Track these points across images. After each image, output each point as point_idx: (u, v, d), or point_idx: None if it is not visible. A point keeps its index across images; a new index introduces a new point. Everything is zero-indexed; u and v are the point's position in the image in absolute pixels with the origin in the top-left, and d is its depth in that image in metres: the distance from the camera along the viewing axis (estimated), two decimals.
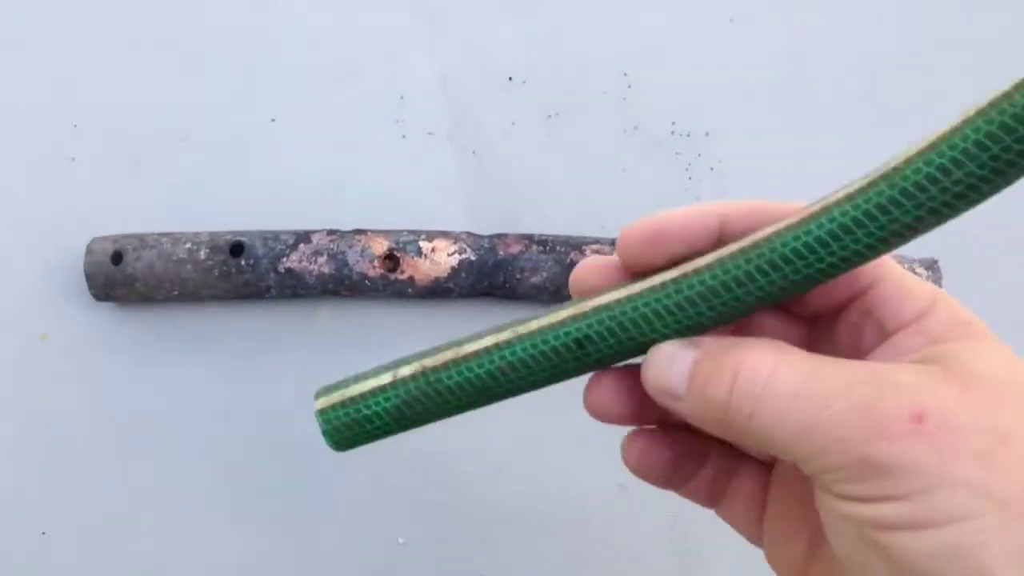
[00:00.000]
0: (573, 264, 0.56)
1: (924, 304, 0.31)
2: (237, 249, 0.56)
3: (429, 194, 0.61)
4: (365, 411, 0.33)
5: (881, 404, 0.26)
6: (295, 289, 0.56)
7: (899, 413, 0.26)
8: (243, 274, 0.56)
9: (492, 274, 0.56)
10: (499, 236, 0.57)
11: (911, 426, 0.26)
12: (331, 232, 0.57)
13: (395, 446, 0.55)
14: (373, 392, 0.33)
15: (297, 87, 0.62)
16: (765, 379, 0.27)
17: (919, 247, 0.56)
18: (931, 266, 0.55)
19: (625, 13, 0.64)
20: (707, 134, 0.62)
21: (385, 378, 0.34)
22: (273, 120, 0.62)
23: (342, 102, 0.62)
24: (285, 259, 0.56)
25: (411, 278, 0.56)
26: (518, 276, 0.56)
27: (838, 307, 0.33)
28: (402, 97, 0.63)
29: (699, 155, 0.62)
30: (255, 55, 0.62)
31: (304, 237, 0.56)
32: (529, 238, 0.57)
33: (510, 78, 0.63)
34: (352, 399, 0.34)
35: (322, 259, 0.56)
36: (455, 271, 0.56)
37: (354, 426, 0.34)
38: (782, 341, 0.29)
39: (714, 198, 0.61)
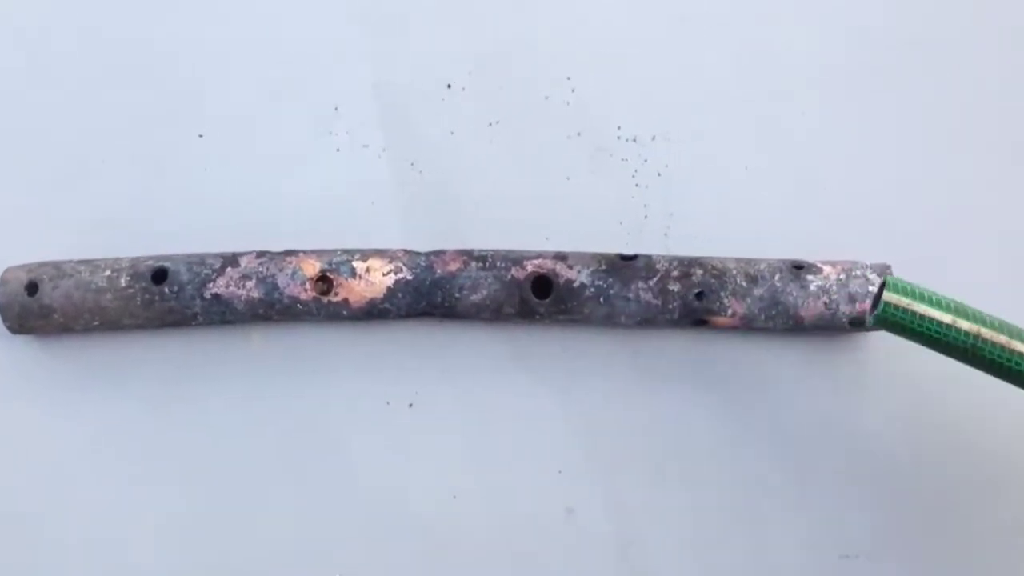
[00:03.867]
0: (514, 280, 0.53)
1: None
2: (160, 275, 0.53)
3: (365, 209, 0.59)
4: (915, 326, 0.41)
5: None
6: (224, 315, 0.54)
7: None
8: (167, 301, 0.53)
9: (430, 294, 0.54)
10: (437, 253, 0.54)
11: None
12: (260, 254, 0.54)
13: (338, 476, 0.53)
14: (930, 318, 0.41)
15: (226, 100, 0.60)
16: None
17: (869, 252, 0.54)
18: (883, 272, 0.53)
19: (568, 14, 0.61)
20: (654, 138, 0.60)
21: (946, 317, 0.41)
22: (201, 136, 0.59)
23: (273, 115, 0.60)
24: (211, 284, 0.53)
25: (345, 300, 0.53)
26: (457, 295, 0.54)
27: None
28: (336, 108, 0.60)
29: (646, 161, 0.60)
30: (180, 67, 0.60)
31: (231, 260, 0.54)
32: (468, 254, 0.54)
33: (449, 85, 0.60)
34: (912, 311, 0.41)
35: (251, 283, 0.53)
36: (391, 291, 0.53)
37: (898, 325, 0.41)
38: None
39: (662, 204, 0.59)
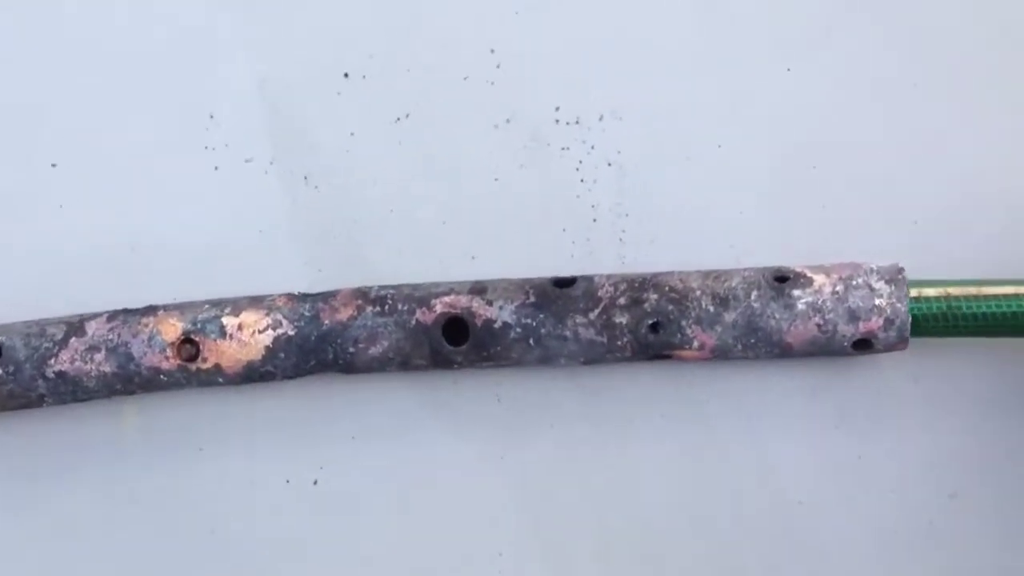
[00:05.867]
0: (420, 326, 0.42)
1: None
2: None
3: (252, 240, 0.48)
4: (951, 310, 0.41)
5: None
6: (75, 395, 0.44)
7: None
8: (4, 384, 0.43)
9: (319, 350, 0.43)
10: (326, 297, 0.44)
11: None
12: (112, 316, 0.44)
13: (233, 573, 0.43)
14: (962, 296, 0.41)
15: (75, 116, 0.49)
16: None
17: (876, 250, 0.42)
18: (894, 277, 0.41)
19: None
20: (601, 118, 0.48)
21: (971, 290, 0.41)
22: (54, 166, 0.49)
23: (133, 130, 0.49)
24: (53, 360, 0.43)
25: (217, 366, 0.43)
26: (352, 349, 0.43)
27: None
28: (211, 116, 0.49)
29: (593, 147, 0.48)
30: (16, 75, 0.49)
31: (77, 328, 0.44)
32: (364, 295, 0.43)
33: (346, 74, 0.49)
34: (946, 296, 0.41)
35: (100, 356, 0.43)
36: (271, 351, 0.43)
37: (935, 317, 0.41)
38: None
39: (615, 202, 0.47)
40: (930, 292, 0.41)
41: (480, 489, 0.45)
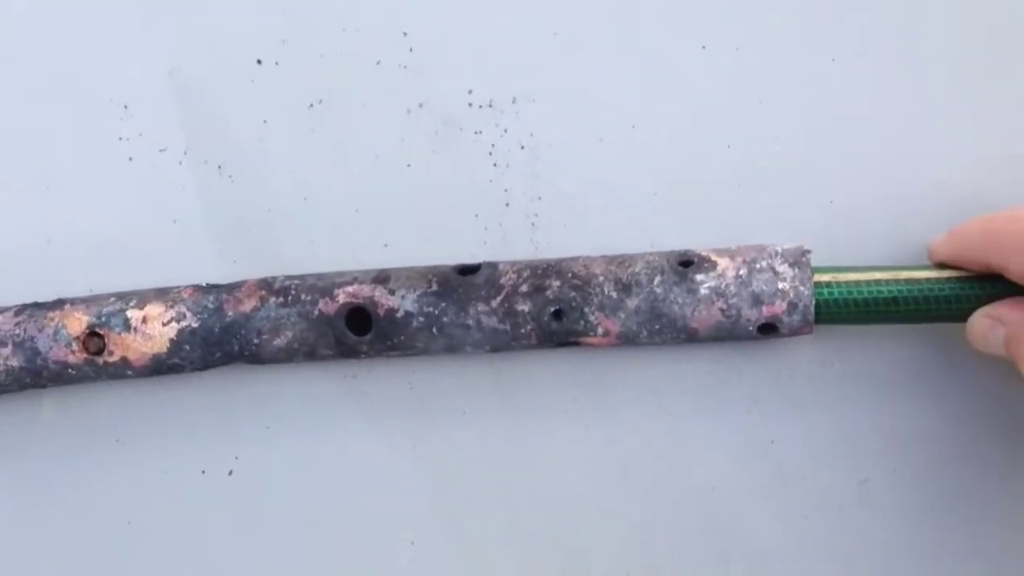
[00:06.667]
0: (323, 316, 0.42)
1: None
2: None
3: (166, 231, 0.48)
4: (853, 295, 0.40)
5: None
6: None
7: None
8: None
9: (223, 342, 0.43)
10: (231, 289, 0.44)
11: None
12: (20, 311, 0.44)
13: (150, 566, 0.44)
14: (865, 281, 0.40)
15: None
16: None
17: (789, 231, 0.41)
18: (798, 259, 0.40)
19: None
20: (514, 100, 0.47)
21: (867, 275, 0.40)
22: None
23: (46, 123, 0.48)
24: None
25: (124, 360, 0.43)
26: (256, 341, 0.43)
27: None
28: (125, 107, 0.49)
29: (505, 131, 0.47)
30: None
31: None
32: (268, 286, 0.43)
33: (259, 61, 0.48)
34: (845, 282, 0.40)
35: (6, 351, 0.43)
36: (176, 344, 0.43)
37: (838, 303, 0.40)
38: None
39: (527, 186, 0.46)
40: (837, 278, 0.40)
41: (392, 476, 0.45)
